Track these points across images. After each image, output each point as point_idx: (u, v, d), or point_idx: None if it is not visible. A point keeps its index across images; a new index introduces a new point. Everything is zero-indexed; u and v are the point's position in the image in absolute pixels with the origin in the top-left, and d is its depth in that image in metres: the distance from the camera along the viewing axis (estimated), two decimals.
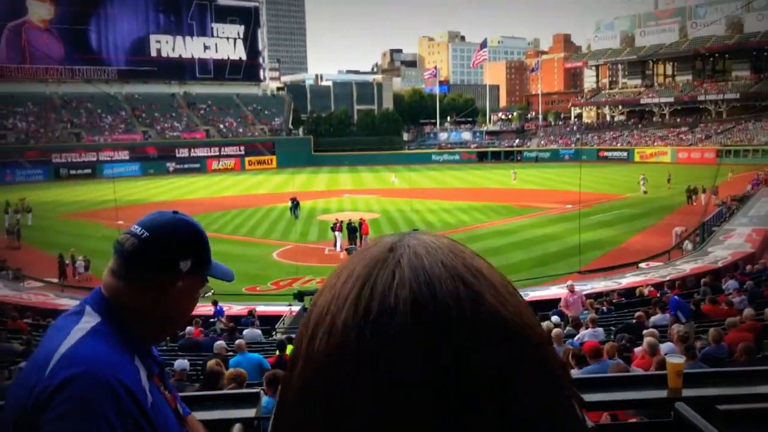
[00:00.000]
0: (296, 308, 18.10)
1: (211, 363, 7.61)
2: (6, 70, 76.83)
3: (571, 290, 14.89)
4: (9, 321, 13.93)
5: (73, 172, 68.75)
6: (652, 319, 10.93)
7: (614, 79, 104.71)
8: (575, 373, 5.94)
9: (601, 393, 2.89)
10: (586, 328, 10.08)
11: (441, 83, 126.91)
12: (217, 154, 79.09)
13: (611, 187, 48.07)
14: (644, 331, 7.59)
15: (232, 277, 1.84)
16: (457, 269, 0.55)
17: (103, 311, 1.60)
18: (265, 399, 4.78)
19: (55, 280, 23.72)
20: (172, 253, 1.66)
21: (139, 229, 1.67)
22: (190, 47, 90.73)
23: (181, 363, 8.31)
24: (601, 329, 9.93)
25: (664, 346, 6.89)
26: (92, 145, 72.07)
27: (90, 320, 1.56)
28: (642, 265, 23.12)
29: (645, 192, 44.35)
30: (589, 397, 2.74)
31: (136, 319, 1.63)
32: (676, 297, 11.48)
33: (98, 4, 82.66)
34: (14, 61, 77.55)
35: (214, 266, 1.79)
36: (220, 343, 10.28)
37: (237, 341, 9.54)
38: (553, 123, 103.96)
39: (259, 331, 13.94)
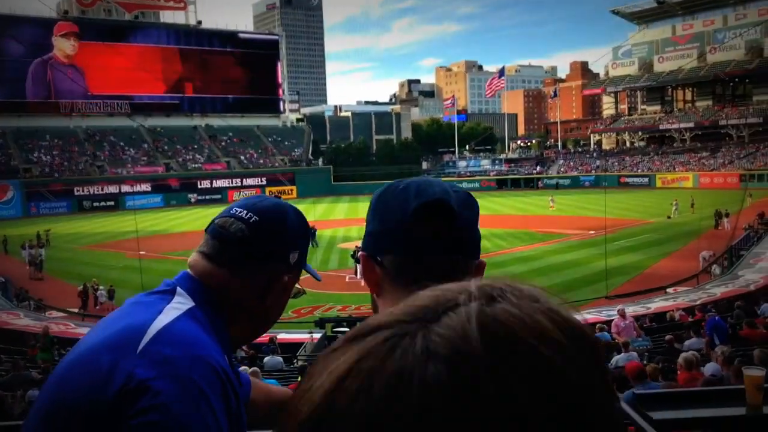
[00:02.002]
0: (317, 335, 17.85)
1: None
2: (31, 106, 78.35)
3: (622, 315, 13.91)
4: (29, 350, 13.84)
5: (96, 204, 69.44)
6: (687, 342, 10.55)
7: (633, 105, 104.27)
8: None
9: (671, 411, 2.53)
10: (619, 353, 9.74)
11: (459, 112, 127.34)
12: (239, 185, 79.59)
13: (635, 212, 47.48)
14: (683, 354, 7.22)
15: (320, 278, 1.71)
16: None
17: (198, 296, 1.38)
18: None
19: (77, 310, 23.70)
20: (284, 243, 1.47)
21: (245, 212, 1.45)
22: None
23: None
24: (635, 353, 9.58)
25: (707, 368, 6.56)
26: (115, 177, 72.88)
27: (184, 302, 1.34)
28: (670, 290, 22.62)
29: (669, 217, 43.73)
30: (658, 416, 2.41)
31: (234, 312, 1.42)
32: (717, 318, 10.96)
33: (120, 38, 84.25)
34: (39, 96, 79.11)
35: (310, 266, 1.65)
36: (243, 368, 10.03)
37: (252, 369, 9.25)
38: (572, 150, 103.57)
39: (280, 359, 13.72)
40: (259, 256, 1.43)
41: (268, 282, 1.44)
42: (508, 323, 0.48)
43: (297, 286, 1.59)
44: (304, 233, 1.55)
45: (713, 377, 6.06)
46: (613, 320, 14.01)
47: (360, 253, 1.23)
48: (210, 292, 1.40)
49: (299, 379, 9.42)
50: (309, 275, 1.68)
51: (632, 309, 18.35)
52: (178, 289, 1.38)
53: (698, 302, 17.55)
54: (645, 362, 10.02)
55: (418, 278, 1.06)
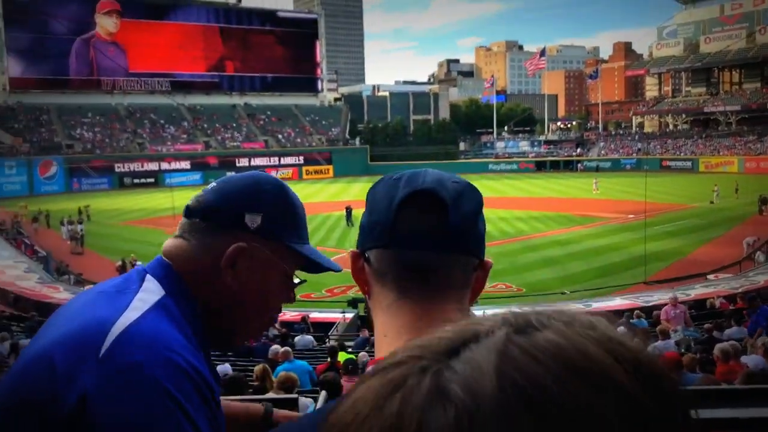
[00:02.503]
0: (350, 315, 17.87)
1: (258, 369, 7.36)
2: (74, 83, 79.77)
3: (674, 303, 13.13)
4: None
5: (136, 181, 70.59)
6: (727, 332, 10.22)
7: (677, 87, 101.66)
8: None
9: (726, 409, 2.29)
10: (656, 341, 9.48)
11: (498, 93, 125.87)
12: (276, 163, 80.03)
13: (676, 197, 46.42)
14: (719, 345, 6.92)
15: (339, 268, 1.46)
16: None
17: (169, 284, 1.26)
18: (308, 405, 4.46)
19: None
20: (238, 204, 1.32)
21: (214, 183, 1.40)
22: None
23: (223, 368, 7.92)
24: (672, 341, 9.30)
25: (748, 359, 6.30)
26: (155, 155, 73.88)
27: (154, 292, 1.22)
28: (710, 276, 22.07)
29: (712, 202, 42.64)
30: (707, 414, 2.16)
31: (210, 299, 1.29)
32: (767, 307, 10.42)
33: (161, 16, 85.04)
34: (82, 74, 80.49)
35: (313, 251, 1.43)
36: (275, 347, 10.02)
37: (283, 349, 9.25)
38: (613, 132, 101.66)
39: (311, 338, 13.76)
40: (213, 219, 1.32)
41: (230, 253, 1.29)
42: (540, 357, 0.37)
43: (295, 281, 1.42)
44: (275, 199, 1.36)
45: (754, 370, 5.80)
46: (663, 308, 13.46)
47: (350, 250, 1.14)
48: (181, 279, 1.29)
49: (328, 359, 9.39)
50: (330, 270, 1.46)
51: (671, 295, 17.96)
52: (148, 276, 1.27)
53: (740, 289, 17.07)
54: (683, 350, 9.76)
55: (400, 276, 1.02)
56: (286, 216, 1.39)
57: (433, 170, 1.09)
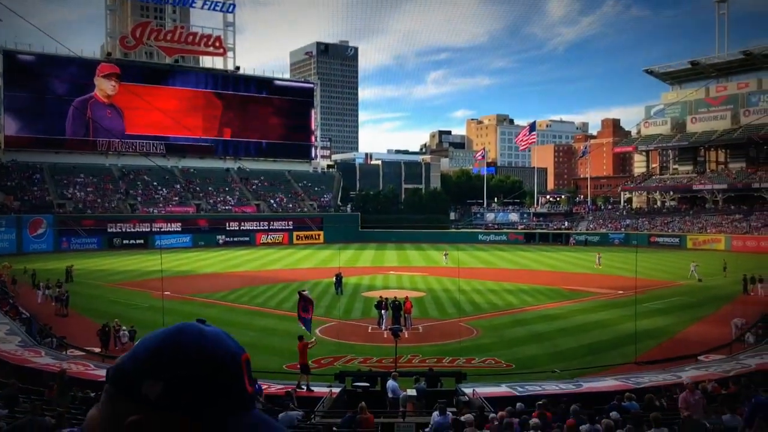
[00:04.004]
0: (336, 390, 17.52)
1: None
2: (69, 143, 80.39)
3: (691, 389, 12.51)
4: (47, 391, 13.76)
5: (126, 241, 70.35)
6: (723, 418, 10.06)
7: (665, 164, 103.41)
8: None
9: None
10: (648, 428, 9.32)
11: (489, 165, 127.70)
12: (267, 227, 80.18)
13: (665, 273, 46.59)
14: None
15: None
16: None
17: None
18: None
19: (98, 350, 23.66)
20: (138, 367, 1.13)
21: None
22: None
23: None
24: (665, 429, 9.14)
25: None
26: (146, 216, 73.89)
27: None
28: (702, 357, 21.91)
29: (700, 280, 42.77)
30: None
31: None
32: (762, 397, 10.16)
33: (160, 80, 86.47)
34: (78, 134, 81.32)
35: (264, 420, 1.18)
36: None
37: None
38: (602, 207, 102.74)
39: (296, 413, 13.36)
40: (117, 386, 1.15)
41: (126, 427, 1.11)
42: None
43: None
44: (193, 364, 1.13)
45: None
46: (681, 395, 12.85)
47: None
48: None
49: None
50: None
51: (662, 377, 17.78)
52: None
53: (731, 373, 16.94)
54: None
55: None
56: (201, 382, 1.13)
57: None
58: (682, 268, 48.07)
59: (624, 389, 14.73)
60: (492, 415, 12.51)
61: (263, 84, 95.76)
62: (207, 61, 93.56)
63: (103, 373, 18.41)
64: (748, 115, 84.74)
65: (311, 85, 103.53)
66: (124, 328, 24.84)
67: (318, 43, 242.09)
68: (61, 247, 65.67)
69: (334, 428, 11.74)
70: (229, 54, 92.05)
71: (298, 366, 18.33)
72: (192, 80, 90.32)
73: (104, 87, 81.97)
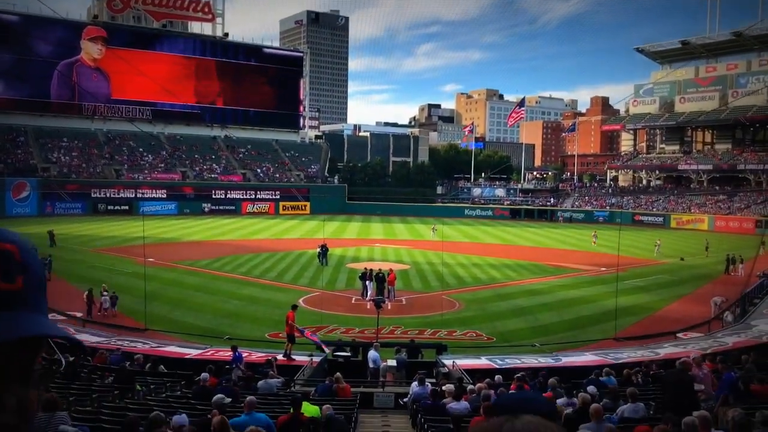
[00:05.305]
0: (317, 359, 17.59)
1: (215, 421, 7.06)
2: (54, 106, 79.21)
3: (698, 363, 11.74)
4: None
5: (110, 207, 69.83)
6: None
7: (652, 143, 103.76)
8: None
9: None
10: (625, 403, 9.43)
11: (477, 140, 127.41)
12: (253, 197, 79.87)
13: (647, 252, 46.97)
14: (686, 419, 6.73)
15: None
16: None
17: None
18: None
19: (80, 315, 23.58)
20: None
21: None
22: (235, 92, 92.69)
23: (180, 419, 7.37)
24: (641, 404, 9.26)
25: None
26: (131, 182, 73.29)
27: None
28: (680, 335, 22.19)
29: (682, 259, 43.11)
30: None
31: None
32: (732, 374, 10.36)
33: (147, 45, 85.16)
34: (63, 98, 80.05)
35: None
36: (219, 397, 9.24)
37: (248, 399, 8.83)
38: (588, 184, 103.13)
39: (275, 381, 13.36)
40: None
41: None
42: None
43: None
44: None
45: None
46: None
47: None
48: None
49: (291, 410, 9.12)
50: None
51: (641, 353, 17.99)
52: None
53: (709, 350, 17.15)
54: (650, 413, 9.71)
55: None
56: None
57: None
58: (666, 247, 48.35)
59: (602, 364, 14.89)
60: (471, 386, 12.62)
61: (252, 52, 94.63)
62: (195, 27, 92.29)
63: (84, 337, 18.35)
64: (737, 96, 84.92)
65: (300, 54, 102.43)
66: (106, 293, 24.73)
67: (308, 12, 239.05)
68: (45, 212, 65.07)
69: (311, 396, 11.82)
70: (218, 20, 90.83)
71: (285, 335, 18.43)
72: (180, 46, 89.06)
73: (90, 50, 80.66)
